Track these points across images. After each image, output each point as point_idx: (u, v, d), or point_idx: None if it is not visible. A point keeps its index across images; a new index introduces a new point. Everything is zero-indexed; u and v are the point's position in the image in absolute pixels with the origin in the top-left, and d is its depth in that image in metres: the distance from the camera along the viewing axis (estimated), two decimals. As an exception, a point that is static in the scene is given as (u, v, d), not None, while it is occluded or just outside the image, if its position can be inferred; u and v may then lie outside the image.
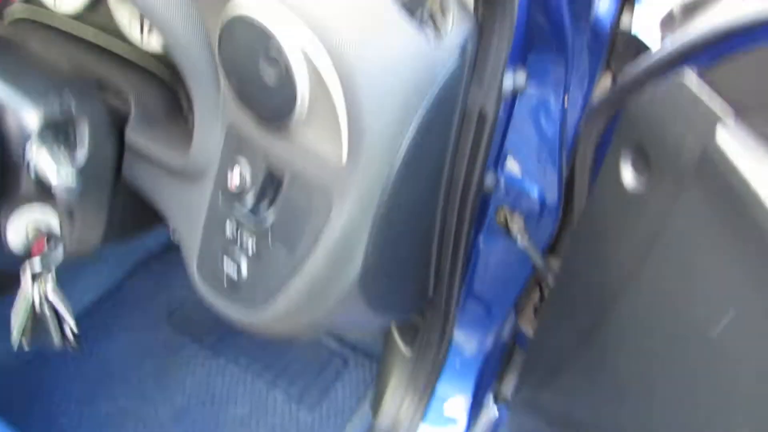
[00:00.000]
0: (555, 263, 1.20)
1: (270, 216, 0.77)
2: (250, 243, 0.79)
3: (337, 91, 0.66)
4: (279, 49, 0.66)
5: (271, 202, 0.77)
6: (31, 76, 0.83)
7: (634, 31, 0.91)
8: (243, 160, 0.76)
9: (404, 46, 0.70)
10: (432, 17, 0.74)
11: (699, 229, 0.72)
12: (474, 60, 0.81)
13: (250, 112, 0.74)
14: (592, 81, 1.01)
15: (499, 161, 1.12)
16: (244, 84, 0.72)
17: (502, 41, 0.79)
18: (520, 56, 0.98)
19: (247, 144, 0.76)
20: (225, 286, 0.83)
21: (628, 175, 0.83)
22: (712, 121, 0.68)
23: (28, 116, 0.79)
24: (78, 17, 1.00)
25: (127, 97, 0.89)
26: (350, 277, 0.80)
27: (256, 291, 0.82)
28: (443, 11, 0.76)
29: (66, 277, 1.04)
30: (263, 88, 0.69)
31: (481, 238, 1.21)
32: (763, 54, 0.64)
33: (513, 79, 0.90)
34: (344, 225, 0.73)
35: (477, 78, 0.82)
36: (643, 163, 0.81)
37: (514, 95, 1.03)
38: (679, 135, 0.73)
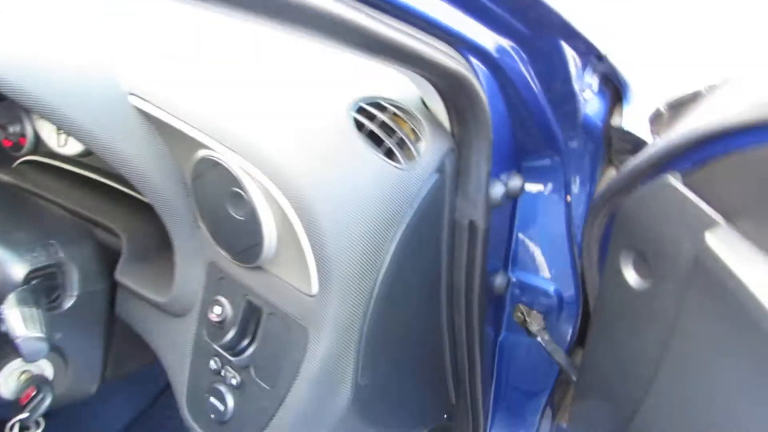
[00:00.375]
0: (580, 356, 1.15)
1: (251, 351, 0.77)
2: (235, 379, 0.78)
3: (299, 227, 0.67)
4: (243, 190, 0.68)
5: (252, 338, 0.77)
6: (21, 230, 0.87)
7: (625, 128, 0.89)
8: (224, 298, 0.77)
9: (370, 177, 0.70)
10: (404, 142, 0.75)
11: (706, 326, 0.68)
12: (456, 175, 0.81)
13: (226, 250, 0.75)
14: (594, 174, 0.99)
15: (508, 261, 1.09)
16: (216, 222, 0.74)
17: (481, 157, 0.79)
18: (514, 163, 0.97)
19: (227, 280, 0.77)
20: (212, 422, 0.82)
21: (631, 276, 0.80)
22: (700, 225, 0.65)
23: (14, 270, 0.82)
24: (80, 157, 1.05)
25: (120, 237, 0.91)
26: (340, 404, 0.78)
27: (243, 426, 0.80)
28: (417, 135, 0.76)
29: (99, 402, 1.05)
30: (233, 226, 0.71)
31: (501, 337, 1.18)
32: (738, 158, 0.62)
33: (505, 186, 0.89)
34: (324, 356, 0.72)
35: (461, 192, 0.82)
36: (643, 264, 0.77)
37: (514, 199, 1.01)
38: (671, 239, 0.70)
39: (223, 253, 0.77)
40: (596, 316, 0.93)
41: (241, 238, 0.71)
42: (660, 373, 0.76)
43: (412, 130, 0.77)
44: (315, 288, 0.70)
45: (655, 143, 0.71)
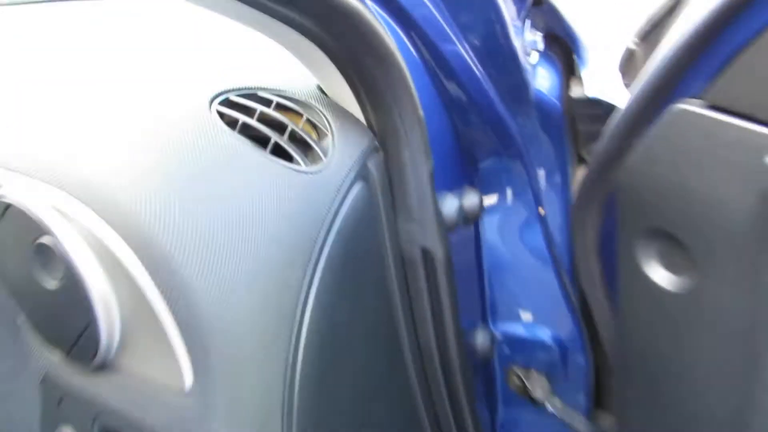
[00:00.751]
0: (608, 421, 0.88)
1: None
2: None
3: (148, 284, 0.41)
4: (51, 238, 0.42)
5: None
6: None
7: (590, 95, 0.69)
8: (68, 429, 0.49)
9: (255, 187, 0.46)
10: (299, 139, 0.52)
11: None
12: (388, 184, 0.58)
13: (56, 348, 0.48)
14: (565, 171, 0.77)
15: (486, 311, 0.84)
16: (29, 302, 0.47)
17: (415, 150, 0.56)
18: (464, 175, 0.75)
19: (69, 401, 0.49)
20: None
21: (660, 275, 0.57)
22: (753, 151, 0.43)
23: None
24: None
25: None
26: None
27: None
28: (318, 131, 0.54)
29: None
30: (51, 302, 0.44)
31: (499, 415, 0.90)
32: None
33: (459, 203, 0.66)
34: None
35: (401, 207, 0.59)
36: (674, 251, 0.55)
37: (475, 222, 0.78)
38: (710, 191, 0.48)
39: (54, 355, 0.49)
40: (623, 354, 0.67)
41: (66, 319, 0.44)
42: (757, 395, 0.50)
43: (311, 125, 0.54)
44: (188, 379, 0.42)
45: (646, 73, 0.50)
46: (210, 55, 0.61)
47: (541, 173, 0.77)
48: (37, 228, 0.42)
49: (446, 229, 0.62)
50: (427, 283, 0.62)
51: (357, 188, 0.53)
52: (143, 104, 0.50)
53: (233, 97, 0.52)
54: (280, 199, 0.47)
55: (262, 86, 0.54)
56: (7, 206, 0.43)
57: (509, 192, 0.78)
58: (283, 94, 0.54)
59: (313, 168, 0.50)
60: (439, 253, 0.60)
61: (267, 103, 0.53)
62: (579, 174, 0.83)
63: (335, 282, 0.50)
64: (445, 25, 0.58)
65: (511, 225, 0.80)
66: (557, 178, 0.78)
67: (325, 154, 0.51)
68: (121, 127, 0.47)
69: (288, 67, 0.57)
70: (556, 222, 0.79)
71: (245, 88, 0.53)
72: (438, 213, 0.60)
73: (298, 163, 0.49)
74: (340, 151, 0.53)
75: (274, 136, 0.49)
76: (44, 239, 0.42)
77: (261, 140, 0.50)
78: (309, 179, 0.49)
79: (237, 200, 0.45)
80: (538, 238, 0.80)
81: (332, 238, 0.50)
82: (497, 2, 0.59)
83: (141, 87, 0.53)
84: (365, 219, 0.55)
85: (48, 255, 0.43)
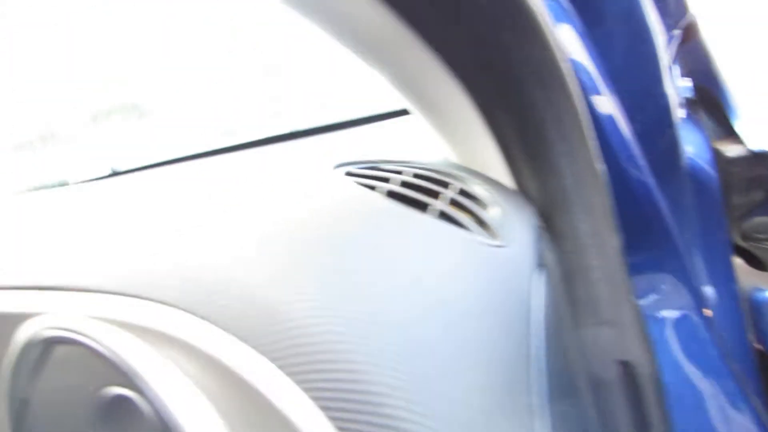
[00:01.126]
0: None
1: None
2: None
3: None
4: (134, 387, 0.24)
5: None
6: None
7: (755, 149, 0.55)
8: None
9: (445, 265, 0.30)
10: (463, 208, 0.36)
11: None
12: (566, 273, 0.42)
13: None
14: (726, 260, 0.61)
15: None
16: None
17: (602, 228, 0.41)
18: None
19: None
20: None
21: None
22: None
23: None
24: None
25: None
26: None
27: None
28: (476, 200, 0.38)
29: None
30: None
31: None
32: None
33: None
34: None
35: (586, 304, 0.42)
36: None
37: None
38: None
39: None
40: None
41: None
42: None
43: (465, 195, 0.39)
44: None
45: None
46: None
47: (699, 263, 0.61)
48: (102, 371, 0.25)
49: (649, 333, 0.44)
50: (631, 415, 0.43)
51: (543, 278, 0.37)
52: (254, 182, 0.35)
53: (355, 170, 0.37)
54: (475, 280, 0.30)
55: (385, 159, 0.40)
56: (60, 340, 0.26)
57: (661, 290, 0.61)
58: (412, 165, 0.40)
59: (495, 242, 0.34)
60: (645, 367, 0.42)
61: (397, 173, 0.38)
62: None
63: (552, 408, 0.32)
64: (593, 67, 0.46)
65: (669, 335, 0.62)
66: (719, 268, 0.62)
67: (501, 226, 0.36)
68: (232, 207, 0.32)
69: (404, 147, 0.44)
70: (725, 326, 0.62)
71: (365, 162, 0.39)
72: (636, 309, 0.43)
73: (471, 232, 0.33)
74: (514, 226, 0.37)
75: (433, 202, 0.33)
76: (113, 390, 0.25)
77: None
78: (499, 254, 0.33)
79: (435, 283, 0.28)
80: (707, 350, 0.62)
81: (534, 337, 0.33)
82: (653, 39, 0.47)
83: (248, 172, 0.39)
84: (550, 317, 0.38)
85: (121, 414, 0.25)
